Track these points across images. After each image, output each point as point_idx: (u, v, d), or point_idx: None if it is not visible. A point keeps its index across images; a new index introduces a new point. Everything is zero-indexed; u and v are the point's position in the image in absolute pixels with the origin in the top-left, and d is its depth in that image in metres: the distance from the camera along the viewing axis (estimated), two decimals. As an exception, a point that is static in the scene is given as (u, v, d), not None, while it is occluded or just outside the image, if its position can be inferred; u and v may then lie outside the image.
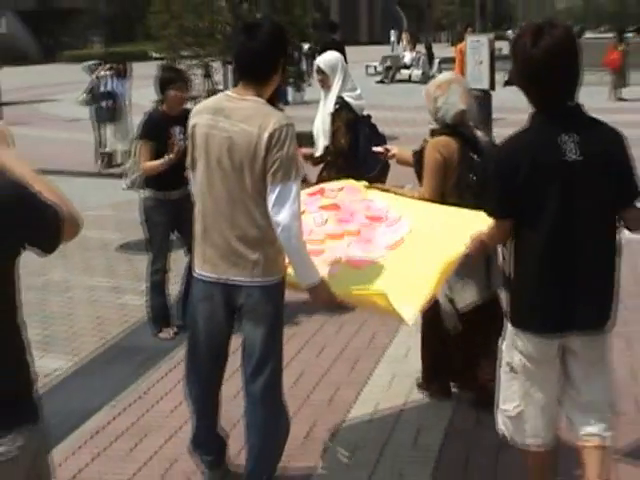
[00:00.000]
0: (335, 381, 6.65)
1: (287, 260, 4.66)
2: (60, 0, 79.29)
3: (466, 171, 5.62)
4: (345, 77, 8.03)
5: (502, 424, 4.49)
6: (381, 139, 7.58)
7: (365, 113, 8.14)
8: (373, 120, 8.23)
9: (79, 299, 9.32)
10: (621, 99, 27.17)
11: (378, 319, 7.79)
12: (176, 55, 19.27)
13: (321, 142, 8.14)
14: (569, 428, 4.45)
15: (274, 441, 4.81)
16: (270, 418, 4.74)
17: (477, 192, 5.41)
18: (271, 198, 4.38)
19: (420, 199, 5.58)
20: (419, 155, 5.80)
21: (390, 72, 38.05)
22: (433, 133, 5.78)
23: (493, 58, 10.82)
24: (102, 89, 16.52)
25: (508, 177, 4.05)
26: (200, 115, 4.64)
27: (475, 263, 5.22)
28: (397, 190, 5.89)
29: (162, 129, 7.50)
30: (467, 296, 5.68)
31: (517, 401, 4.33)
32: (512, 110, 4.20)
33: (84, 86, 18.21)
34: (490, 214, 4.26)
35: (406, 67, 38.04)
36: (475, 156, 5.66)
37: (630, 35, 32.42)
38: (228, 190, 4.50)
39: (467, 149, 5.65)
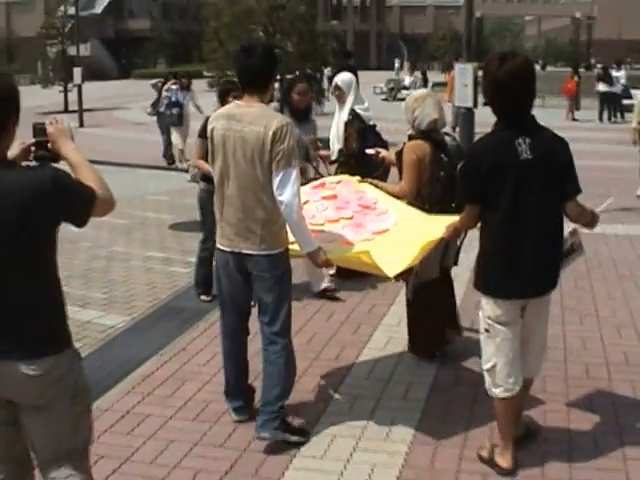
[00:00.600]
0: (341, 341, 6.43)
1: (290, 236, 4.69)
2: (133, 30, 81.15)
3: (437, 168, 5.59)
4: (357, 93, 8.02)
5: (486, 380, 4.41)
6: (384, 144, 7.37)
7: (372, 123, 8.03)
8: (378, 129, 8.13)
9: (136, 267, 9.07)
10: (575, 119, 27.31)
11: (379, 291, 7.68)
12: (223, 74, 19.02)
13: (336, 146, 8.08)
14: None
15: (286, 371, 4.73)
16: (282, 353, 4.71)
17: (445, 184, 5.54)
18: (275, 181, 4.45)
19: (401, 191, 5.64)
20: (399, 155, 5.78)
21: (393, 92, 38.28)
22: (410, 138, 5.73)
23: (476, 82, 10.62)
24: (172, 99, 16.14)
25: (475, 170, 4.14)
26: (217, 121, 4.68)
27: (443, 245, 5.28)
28: (382, 185, 5.85)
29: None
30: (427, 271, 5.66)
31: (491, 357, 4.29)
32: (491, 125, 4.28)
33: (150, 98, 18.07)
34: (461, 199, 4.40)
35: (406, 88, 37.61)
36: (444, 156, 5.64)
37: (582, 70, 33.05)
38: (240, 180, 4.54)
39: (438, 151, 5.64)
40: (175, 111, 16.05)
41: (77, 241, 9.86)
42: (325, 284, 7.55)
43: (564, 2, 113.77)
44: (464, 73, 10.78)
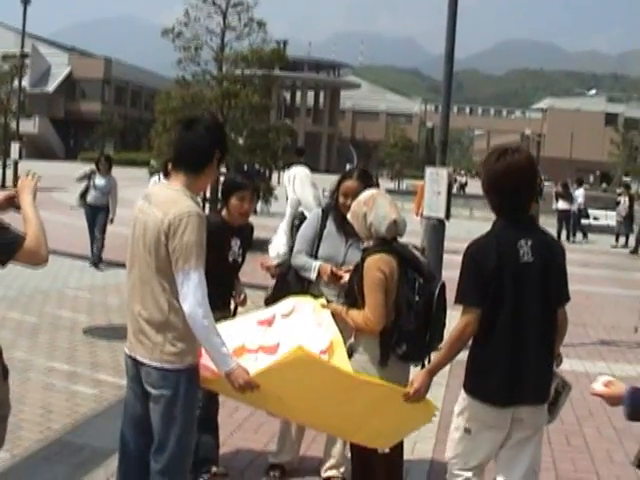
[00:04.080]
0: None
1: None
2: (84, 111, 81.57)
3: (409, 291, 4.39)
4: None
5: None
6: None
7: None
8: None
9: (34, 382, 7.42)
10: None
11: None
12: (163, 162, 17.73)
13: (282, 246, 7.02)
14: None
15: None
16: None
17: (420, 313, 4.37)
18: (177, 286, 3.82)
19: (365, 322, 4.40)
20: (355, 276, 4.55)
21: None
22: (369, 252, 4.51)
23: (450, 190, 9.32)
24: (93, 184, 14.51)
25: (479, 272, 3.93)
26: (140, 200, 4.12)
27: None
28: (349, 314, 4.52)
29: (219, 237, 5.08)
30: None
31: (464, 458, 4.14)
32: (462, 240, 3.50)
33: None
34: (463, 302, 4.00)
35: (356, 193, 37.16)
36: (417, 276, 4.45)
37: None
38: (141, 272, 3.97)
39: (408, 268, 4.47)
40: (96, 198, 14.46)
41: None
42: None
43: (515, 118, 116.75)
44: (436, 179, 9.48)
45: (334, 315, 4.59)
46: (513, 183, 3.99)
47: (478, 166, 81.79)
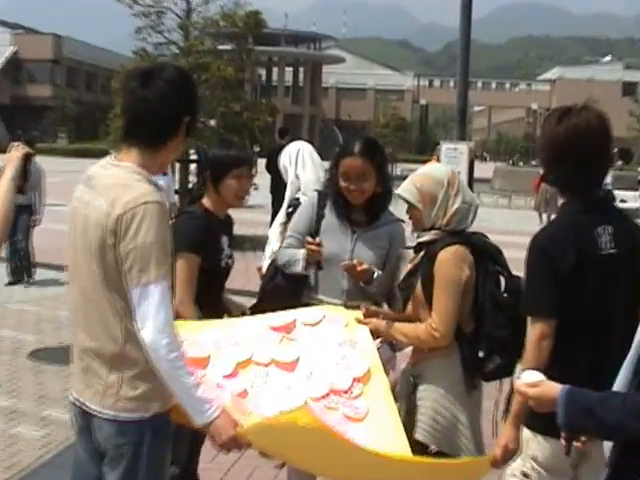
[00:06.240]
0: None
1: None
2: (32, 97, 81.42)
3: (494, 288, 4.04)
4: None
5: None
6: None
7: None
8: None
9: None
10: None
11: None
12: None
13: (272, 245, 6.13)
14: None
15: None
16: None
17: (513, 315, 3.97)
18: (132, 306, 3.15)
19: (432, 334, 3.96)
20: (423, 275, 4.08)
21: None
22: (440, 245, 4.04)
23: (472, 169, 8.66)
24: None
25: (553, 270, 3.56)
26: (78, 185, 3.44)
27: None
28: (397, 328, 4.10)
29: (210, 237, 4.56)
30: None
31: None
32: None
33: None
34: (534, 312, 3.63)
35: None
36: (500, 269, 4.10)
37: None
38: (84, 286, 3.31)
39: (484, 260, 4.09)
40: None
41: None
42: None
43: (519, 91, 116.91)
44: (455, 156, 8.79)
45: (373, 333, 4.06)
46: (582, 150, 3.63)
47: (479, 147, 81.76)
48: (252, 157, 4.75)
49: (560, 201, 4.11)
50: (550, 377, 3.44)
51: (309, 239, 4.54)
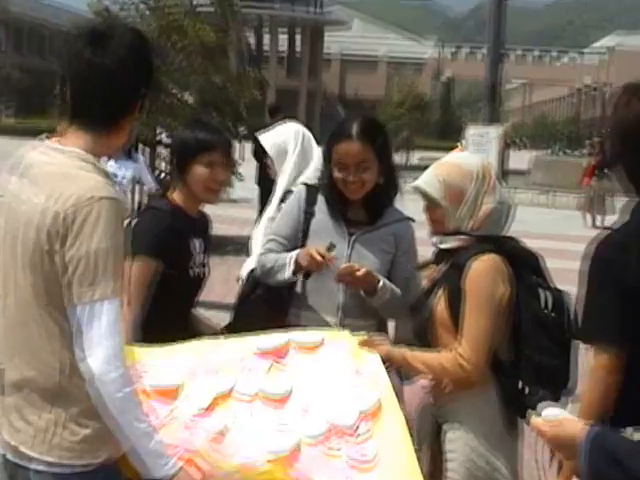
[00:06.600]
0: None
1: None
2: None
3: (536, 304, 4.05)
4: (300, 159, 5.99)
5: None
6: None
7: None
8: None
9: None
10: (600, 227, 26.43)
11: None
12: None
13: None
14: None
15: None
16: None
17: (560, 338, 4.03)
18: (75, 327, 3.10)
19: (458, 362, 3.95)
20: (449, 291, 4.09)
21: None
22: (472, 253, 4.05)
23: (504, 159, 8.65)
24: None
25: (622, 287, 3.51)
26: (7, 175, 3.35)
27: None
28: (416, 356, 4.09)
29: (177, 240, 4.55)
30: None
31: None
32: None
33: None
34: (597, 340, 3.61)
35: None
36: (541, 281, 4.15)
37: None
38: (17, 303, 3.26)
39: (521, 270, 4.10)
40: None
41: None
42: None
43: (563, 64, 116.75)
44: (482, 143, 8.80)
45: (384, 360, 3.99)
46: None
47: (513, 132, 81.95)
48: (227, 140, 4.74)
49: (608, 200, 4.15)
50: (615, 423, 3.50)
51: (322, 252, 4.42)
